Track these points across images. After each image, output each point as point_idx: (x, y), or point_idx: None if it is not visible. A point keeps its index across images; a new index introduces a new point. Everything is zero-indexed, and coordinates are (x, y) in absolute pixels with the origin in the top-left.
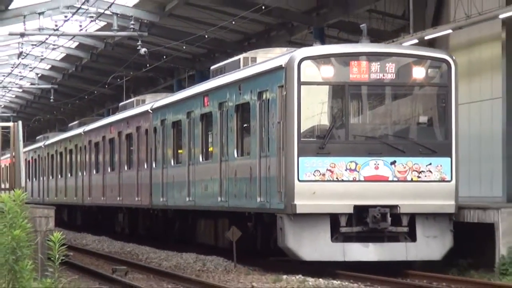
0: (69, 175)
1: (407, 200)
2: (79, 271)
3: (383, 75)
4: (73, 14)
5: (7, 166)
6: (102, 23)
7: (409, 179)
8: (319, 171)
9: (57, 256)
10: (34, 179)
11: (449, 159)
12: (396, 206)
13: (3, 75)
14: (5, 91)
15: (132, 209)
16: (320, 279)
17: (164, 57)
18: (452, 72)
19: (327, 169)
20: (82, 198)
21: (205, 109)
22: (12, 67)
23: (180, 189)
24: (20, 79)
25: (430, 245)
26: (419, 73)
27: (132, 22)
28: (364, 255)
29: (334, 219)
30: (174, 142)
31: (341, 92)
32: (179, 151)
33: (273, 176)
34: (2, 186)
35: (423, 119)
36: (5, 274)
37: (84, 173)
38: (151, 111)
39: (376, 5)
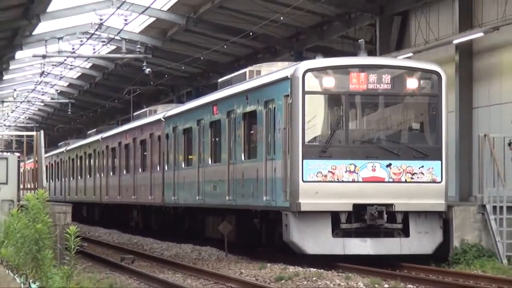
0: (88, 176)
1: (401, 199)
2: (92, 259)
3: (379, 85)
4: (88, 39)
5: (31, 169)
6: (113, 47)
7: (403, 180)
8: (321, 173)
9: (73, 246)
10: (56, 180)
11: (439, 162)
12: (391, 205)
13: (28, 91)
14: (29, 105)
15: (146, 206)
16: (299, 266)
17: (166, 76)
18: (443, 82)
19: (328, 171)
20: (100, 197)
21: (214, 117)
22: (35, 84)
23: (190, 189)
24: (42, 94)
25: (422, 241)
26: (412, 83)
27: (138, 46)
28: (362, 249)
29: (334, 216)
30: (184, 147)
31: (341, 101)
32: (190, 155)
33: (279, 177)
34: (28, 186)
35: (415, 125)
36: (29, 261)
37: (102, 175)
38: (163, 119)
39: (348, 32)
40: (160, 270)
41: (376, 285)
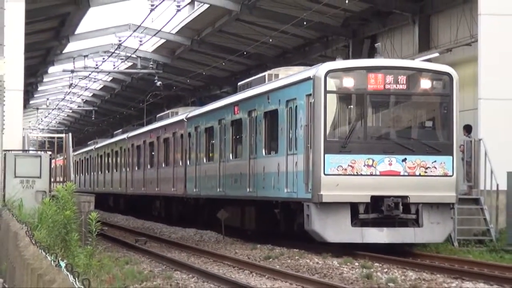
0: (115, 170)
1: (416, 192)
2: (111, 241)
3: (395, 86)
4: (109, 56)
5: (61, 165)
6: (129, 63)
7: (417, 174)
8: (341, 166)
9: (95, 230)
10: (86, 174)
11: (451, 157)
12: (406, 197)
13: (58, 100)
14: (60, 112)
15: (168, 197)
16: (284, 248)
17: (174, 88)
18: (454, 83)
19: (348, 165)
20: (125, 189)
21: (235, 116)
22: (65, 94)
23: (211, 182)
24: (71, 103)
25: (434, 230)
26: (425, 84)
27: (151, 63)
28: (379, 238)
29: (353, 207)
30: (206, 144)
31: (360, 100)
32: (211, 152)
33: (300, 171)
34: (58, 179)
35: (429, 123)
36: (58, 242)
37: (128, 169)
38: (186, 120)
39: (326, 52)
40: (168, 250)
41: (348, 263)
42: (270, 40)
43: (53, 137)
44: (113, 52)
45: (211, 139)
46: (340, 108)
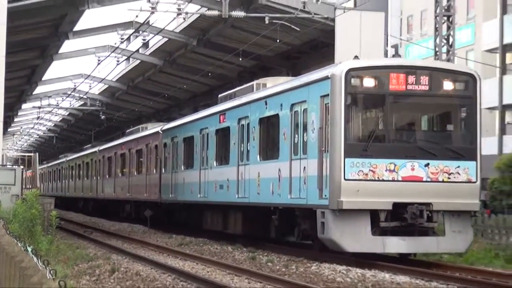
0: (85, 178)
1: (439, 199)
2: (66, 231)
3: (418, 86)
4: (67, 97)
5: (30, 176)
6: (81, 102)
7: (440, 179)
8: (362, 171)
9: (54, 223)
10: (58, 181)
11: (474, 162)
12: (429, 204)
13: (29, 128)
14: (30, 137)
15: (140, 201)
16: (193, 237)
17: (113, 120)
18: (477, 85)
19: (369, 169)
20: (96, 194)
21: (220, 125)
22: (33, 124)
23: (190, 188)
24: (38, 130)
25: (456, 239)
26: (448, 85)
27: (97, 102)
28: (400, 247)
29: (372, 214)
30: (184, 153)
31: (381, 101)
32: (190, 159)
33: (312, 175)
34: (28, 186)
35: (451, 126)
36: (26, 232)
37: (99, 177)
38: (161, 132)
39: None
40: (108, 238)
41: (239, 249)
42: (185, 86)
43: (25, 156)
44: (70, 94)
45: (190, 148)
46: (360, 109)
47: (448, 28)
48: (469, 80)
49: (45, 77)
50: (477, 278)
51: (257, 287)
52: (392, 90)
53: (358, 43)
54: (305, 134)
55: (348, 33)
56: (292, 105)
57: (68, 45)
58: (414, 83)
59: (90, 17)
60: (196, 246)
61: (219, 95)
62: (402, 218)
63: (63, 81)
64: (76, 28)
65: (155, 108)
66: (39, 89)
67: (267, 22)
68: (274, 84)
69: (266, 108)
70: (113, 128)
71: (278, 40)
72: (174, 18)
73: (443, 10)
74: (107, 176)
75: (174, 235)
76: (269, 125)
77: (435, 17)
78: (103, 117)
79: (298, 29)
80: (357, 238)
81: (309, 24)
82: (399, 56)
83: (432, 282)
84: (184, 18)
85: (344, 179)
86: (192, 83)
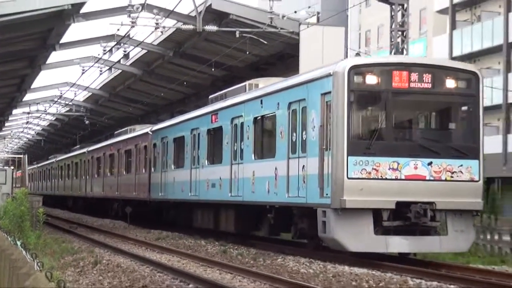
0: (75, 178)
1: (442, 198)
2: (52, 227)
3: (420, 84)
4: (54, 103)
5: (19, 176)
6: (67, 108)
7: (443, 178)
8: (365, 170)
9: (42, 219)
10: (48, 180)
11: (477, 161)
12: (432, 203)
13: (19, 132)
14: (20, 140)
15: (128, 200)
16: (169, 232)
17: (97, 125)
18: (480, 83)
19: (372, 168)
20: (85, 192)
21: (212, 125)
22: (23, 128)
23: (181, 187)
24: (27, 134)
25: (459, 238)
26: (451, 83)
27: (82, 108)
28: (403, 247)
29: (375, 213)
30: (175, 152)
31: (384, 98)
32: (181, 159)
33: (312, 174)
34: (18, 185)
35: (454, 124)
36: (16, 228)
37: (88, 177)
38: (151, 132)
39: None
40: (91, 233)
41: (211, 243)
42: (162, 94)
43: (15, 157)
44: (57, 101)
45: (180, 147)
46: (363, 107)
47: (402, 41)
48: (472, 78)
49: (34, 85)
50: (476, 277)
51: (227, 278)
52: (395, 88)
53: (321, 55)
54: (304, 133)
55: (311, 46)
56: (290, 103)
57: (55, 56)
58: (416, 80)
59: (75, 31)
60: (172, 240)
61: (210, 96)
62: (405, 217)
63: (50, 89)
64: (62, 41)
65: (135, 114)
66: (28, 96)
67: (237, 35)
68: (266, 84)
69: (262, 107)
70: (96, 132)
71: (247, 52)
72: (152, 32)
73: (398, 26)
74: (96, 176)
75: (152, 230)
76: (265, 124)
77: (391, 31)
78: (87, 122)
79: (265, 42)
80: (359, 237)
81: (276, 37)
82: (401, 53)
83: (409, 278)
84: (162, 32)
85: (347, 177)
86: (169, 91)
